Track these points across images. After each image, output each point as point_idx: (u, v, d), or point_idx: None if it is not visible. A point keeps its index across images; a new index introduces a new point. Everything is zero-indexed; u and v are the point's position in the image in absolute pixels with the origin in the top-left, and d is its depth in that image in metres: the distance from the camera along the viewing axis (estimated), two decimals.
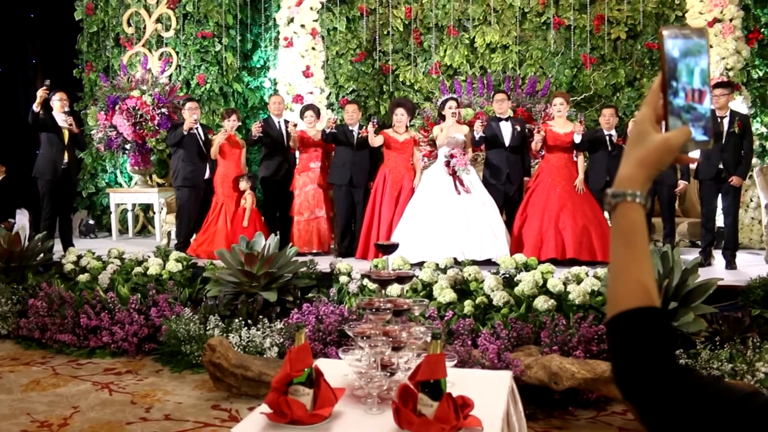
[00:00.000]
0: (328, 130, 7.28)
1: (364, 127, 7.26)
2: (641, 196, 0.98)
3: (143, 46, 9.84)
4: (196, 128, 7.59)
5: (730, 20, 7.80)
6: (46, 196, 7.56)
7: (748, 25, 8.22)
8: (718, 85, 6.53)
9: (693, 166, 6.80)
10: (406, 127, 7.37)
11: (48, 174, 7.49)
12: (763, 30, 8.37)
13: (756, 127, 8.26)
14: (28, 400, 4.58)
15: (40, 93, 7.18)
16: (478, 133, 6.84)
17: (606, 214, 6.73)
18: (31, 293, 6.27)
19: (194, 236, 7.66)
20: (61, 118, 7.51)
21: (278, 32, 9.51)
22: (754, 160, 7.58)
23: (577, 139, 6.69)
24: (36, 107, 7.24)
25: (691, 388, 0.90)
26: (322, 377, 2.24)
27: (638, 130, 1.02)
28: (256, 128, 7.51)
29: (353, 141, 7.32)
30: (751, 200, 7.92)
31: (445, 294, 5.19)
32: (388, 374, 2.31)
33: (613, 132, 6.86)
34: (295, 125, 7.63)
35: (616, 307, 0.96)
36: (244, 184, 7.57)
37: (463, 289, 5.35)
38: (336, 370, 2.57)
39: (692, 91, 0.99)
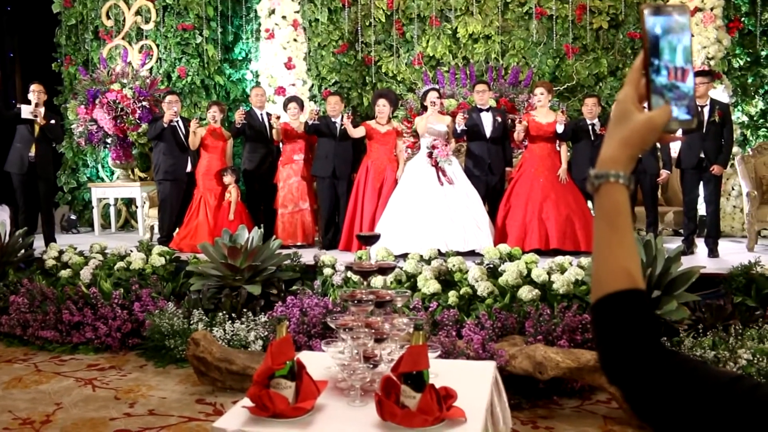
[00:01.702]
0: (310, 122, 7.25)
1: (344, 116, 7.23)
2: (625, 176, 0.97)
3: (123, 38, 9.73)
4: (176, 121, 7.53)
5: (711, 9, 7.83)
6: (17, 190, 7.51)
7: (729, 14, 8.26)
8: (698, 74, 6.55)
9: (674, 154, 6.83)
10: (389, 118, 7.36)
11: (15, 167, 7.42)
12: (743, 19, 8.41)
13: (737, 115, 8.31)
14: (10, 397, 4.54)
15: None
16: (460, 126, 6.83)
17: (590, 203, 6.78)
18: (12, 290, 6.20)
19: (177, 230, 7.61)
20: (27, 110, 7.40)
21: (259, 24, 9.45)
22: (735, 149, 7.63)
23: (560, 128, 6.70)
24: None
25: (677, 371, 0.89)
26: (304, 370, 2.22)
27: (620, 110, 1.00)
28: (239, 115, 7.46)
29: (336, 133, 7.29)
30: (733, 188, 7.98)
31: (429, 285, 5.19)
32: (371, 366, 2.30)
33: (596, 121, 6.88)
34: (278, 118, 7.59)
35: (601, 290, 0.95)
36: (228, 178, 7.52)
37: (447, 280, 5.35)
38: (319, 362, 2.56)
39: (675, 69, 0.97)
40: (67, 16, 10.12)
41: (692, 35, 1.01)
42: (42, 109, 7.48)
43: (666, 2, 7.63)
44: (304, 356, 2.53)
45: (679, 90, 0.98)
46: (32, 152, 7.38)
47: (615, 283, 0.94)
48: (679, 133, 1.01)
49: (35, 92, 7.46)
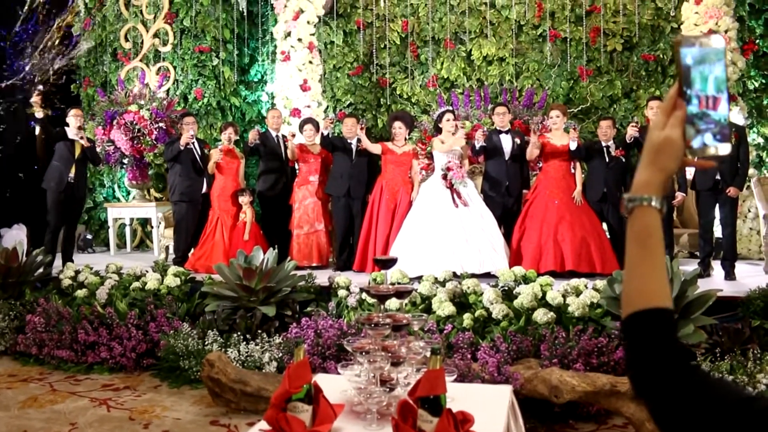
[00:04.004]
0: (326, 132, 7.29)
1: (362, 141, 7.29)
2: (656, 200, 1.03)
3: (141, 60, 9.86)
4: (193, 143, 7.60)
5: (726, 32, 7.83)
6: (52, 208, 7.60)
7: (743, 36, 8.26)
8: None
9: (689, 177, 6.81)
10: (405, 140, 7.39)
11: (53, 185, 7.54)
12: (758, 41, 8.41)
13: (753, 137, 8.28)
14: (25, 416, 4.55)
15: (35, 99, 7.30)
16: (479, 142, 6.85)
17: (604, 225, 6.77)
18: (29, 309, 6.25)
19: (192, 250, 7.65)
20: (73, 132, 7.58)
21: (275, 46, 9.54)
22: (751, 171, 7.59)
23: (573, 146, 6.70)
24: (39, 114, 7.42)
25: (698, 386, 0.94)
26: (321, 393, 2.22)
27: (650, 136, 1.05)
28: (253, 135, 7.54)
29: (352, 153, 7.33)
30: (749, 210, 7.92)
31: (444, 307, 5.17)
32: (388, 390, 2.30)
33: (611, 144, 6.85)
34: (293, 135, 7.65)
35: (630, 306, 1.01)
36: (243, 199, 7.56)
37: (462, 302, 5.33)
38: (335, 385, 2.55)
39: (706, 97, 1.01)
40: (86, 39, 10.27)
41: (726, 65, 1.04)
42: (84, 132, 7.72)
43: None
44: (320, 379, 2.53)
45: (710, 118, 1.01)
46: (72, 173, 7.53)
47: (644, 301, 1.00)
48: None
49: (77, 117, 7.65)
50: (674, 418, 0.94)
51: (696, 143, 1.02)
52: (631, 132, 6.63)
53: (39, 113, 7.41)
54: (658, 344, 0.97)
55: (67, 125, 7.64)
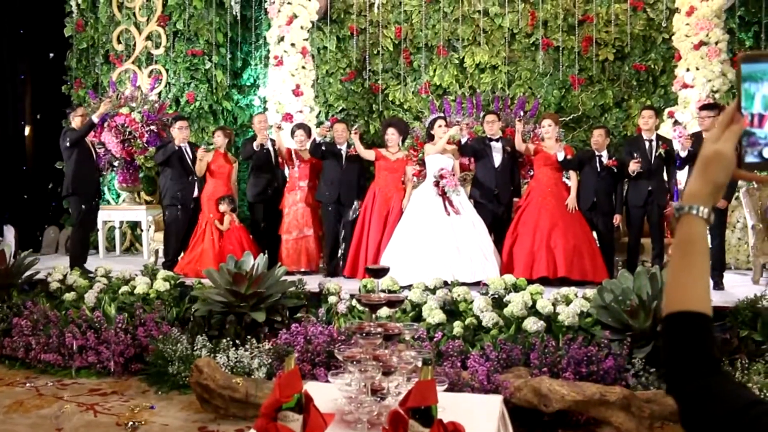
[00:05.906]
0: (319, 139, 7.27)
1: (352, 147, 7.27)
2: (702, 210, 1.07)
3: (133, 63, 9.82)
4: (185, 146, 7.56)
5: (716, 43, 7.88)
6: (83, 213, 7.53)
7: (734, 48, 8.32)
8: (703, 107, 6.62)
9: (681, 187, 6.83)
10: (398, 146, 7.38)
11: (85, 191, 7.50)
12: (748, 53, 8.46)
13: None
14: (10, 421, 4.52)
15: (107, 103, 7.55)
16: (464, 136, 6.89)
17: (595, 234, 6.79)
18: (16, 312, 6.19)
19: (182, 255, 7.60)
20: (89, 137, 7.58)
21: (268, 51, 9.52)
22: (740, 181, 7.63)
23: (560, 156, 6.72)
24: (96, 118, 7.42)
25: (722, 391, 0.98)
26: (312, 403, 2.21)
27: (703, 148, 1.09)
28: (260, 139, 7.50)
29: (342, 159, 7.32)
30: (738, 221, 7.96)
31: (434, 315, 5.17)
32: (378, 399, 2.29)
33: (604, 153, 6.86)
34: (280, 127, 7.65)
35: (668, 307, 1.07)
36: (224, 207, 7.48)
37: (452, 310, 5.34)
38: (325, 394, 2.54)
39: (750, 115, 1.00)
40: (78, 40, 10.22)
41: None
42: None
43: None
44: (310, 387, 2.52)
45: (754, 136, 1.01)
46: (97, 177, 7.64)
47: (679, 304, 1.05)
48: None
49: (84, 116, 7.63)
50: (698, 419, 0.98)
51: (744, 158, 1.04)
52: (633, 167, 6.60)
53: (97, 118, 7.45)
54: (690, 346, 1.02)
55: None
